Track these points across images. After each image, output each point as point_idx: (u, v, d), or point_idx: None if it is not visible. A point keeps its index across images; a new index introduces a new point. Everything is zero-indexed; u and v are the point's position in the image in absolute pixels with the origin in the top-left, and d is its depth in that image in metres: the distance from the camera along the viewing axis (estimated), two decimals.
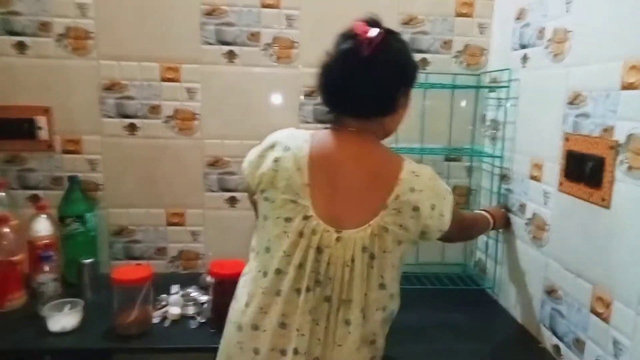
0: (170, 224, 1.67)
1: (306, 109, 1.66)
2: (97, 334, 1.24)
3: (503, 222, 1.44)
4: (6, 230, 1.34)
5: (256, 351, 0.91)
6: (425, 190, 0.93)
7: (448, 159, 1.73)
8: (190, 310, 1.36)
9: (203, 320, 1.32)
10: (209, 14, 1.59)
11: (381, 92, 0.93)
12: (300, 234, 0.88)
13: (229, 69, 1.62)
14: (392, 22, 1.63)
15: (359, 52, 0.89)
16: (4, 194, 1.46)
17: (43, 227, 1.43)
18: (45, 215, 1.46)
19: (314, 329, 0.90)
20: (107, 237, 1.66)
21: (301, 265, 0.89)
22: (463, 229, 1.21)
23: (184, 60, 1.60)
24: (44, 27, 1.54)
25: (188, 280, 1.56)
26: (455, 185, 1.75)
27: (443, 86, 1.64)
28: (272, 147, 0.93)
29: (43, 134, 1.56)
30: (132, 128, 1.61)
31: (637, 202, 0.95)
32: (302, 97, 1.65)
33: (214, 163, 1.64)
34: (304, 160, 0.90)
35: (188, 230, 1.68)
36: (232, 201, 1.68)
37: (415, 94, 1.65)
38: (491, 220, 1.36)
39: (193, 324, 1.31)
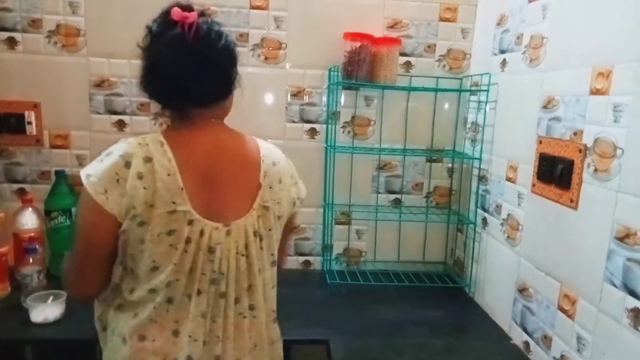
0: None
1: (293, 109, 1.69)
2: (79, 325, 1.26)
3: None
4: None
5: None
6: (282, 161, 0.99)
7: (430, 160, 1.77)
8: None
9: None
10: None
11: (219, 74, 0.89)
12: (188, 240, 0.84)
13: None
14: (378, 26, 1.67)
15: (185, 40, 0.82)
16: None
17: (29, 220, 1.46)
18: (31, 209, 1.48)
19: (212, 327, 0.89)
20: None
21: (191, 270, 0.85)
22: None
23: None
24: (35, 24, 1.56)
25: None
26: (437, 186, 1.79)
27: (425, 89, 1.68)
28: (127, 165, 0.81)
29: (32, 129, 1.59)
30: (120, 124, 1.64)
31: (601, 204, 0.99)
32: (288, 97, 1.68)
33: None
34: (172, 164, 0.83)
35: None
36: None
37: (399, 96, 1.72)
38: None
39: None
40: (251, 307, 0.93)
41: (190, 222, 0.83)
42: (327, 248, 1.76)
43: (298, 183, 1.03)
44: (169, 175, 0.82)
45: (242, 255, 0.89)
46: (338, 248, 1.79)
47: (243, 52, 1.64)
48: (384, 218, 1.72)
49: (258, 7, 1.63)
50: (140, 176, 0.81)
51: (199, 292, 0.87)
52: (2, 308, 1.33)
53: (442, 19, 1.70)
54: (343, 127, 1.72)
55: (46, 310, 1.25)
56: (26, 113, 1.57)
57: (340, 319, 1.39)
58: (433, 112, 1.74)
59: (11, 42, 1.56)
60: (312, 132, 1.71)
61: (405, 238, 1.79)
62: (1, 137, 1.58)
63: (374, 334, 1.33)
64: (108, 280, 0.89)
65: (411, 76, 1.69)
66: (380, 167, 1.76)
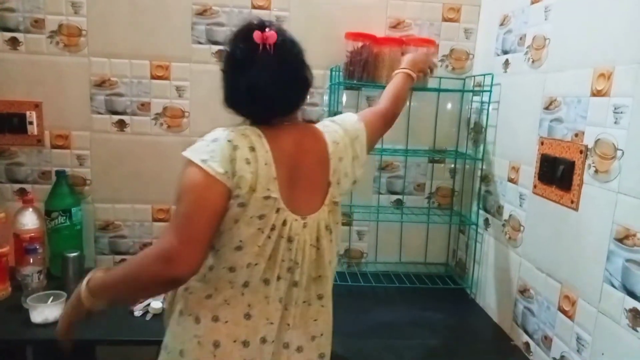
0: (156, 219, 1.69)
1: None
2: (79, 325, 1.26)
3: (423, 66, 1.36)
4: None
5: (216, 344, 0.90)
6: (347, 153, 1.01)
7: (432, 161, 1.76)
8: None
9: None
10: (200, 13, 1.61)
11: (304, 81, 0.95)
12: (273, 227, 0.90)
13: (219, 67, 1.64)
14: (380, 26, 1.67)
15: (269, 57, 0.89)
16: None
17: (29, 220, 1.46)
18: (31, 209, 1.48)
19: (284, 314, 0.94)
20: (93, 232, 1.68)
21: (271, 257, 0.91)
22: (384, 118, 1.20)
23: (174, 59, 1.63)
24: (37, 24, 1.56)
25: None
26: (439, 187, 1.78)
27: (428, 89, 1.66)
28: (235, 148, 0.87)
29: (33, 129, 1.59)
30: (121, 124, 1.64)
31: (601, 205, 0.99)
32: None
33: None
34: (268, 155, 0.89)
35: None
36: None
37: None
38: (411, 75, 1.28)
39: None
40: (320, 297, 0.98)
41: (278, 210, 0.89)
42: None
43: (359, 157, 1.04)
44: (266, 164, 0.88)
45: (314, 246, 0.95)
46: (339, 249, 1.79)
47: None
48: (386, 219, 1.71)
49: (260, 7, 1.63)
50: (248, 162, 0.87)
51: (278, 278, 0.92)
52: (2, 308, 1.33)
53: (445, 19, 1.69)
54: None
55: (46, 311, 1.25)
56: (28, 113, 1.58)
57: (340, 320, 1.38)
58: (435, 113, 1.74)
59: (14, 42, 1.56)
60: None
61: (406, 239, 1.79)
62: (3, 137, 1.58)
63: (375, 335, 1.33)
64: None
65: None
66: (382, 168, 1.75)
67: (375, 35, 1.60)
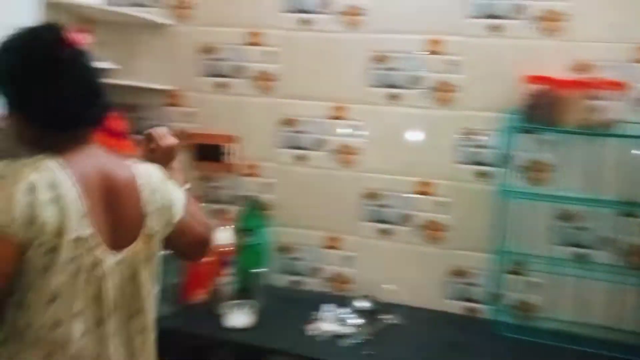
0: (327, 247, 1.80)
1: (463, 150, 1.68)
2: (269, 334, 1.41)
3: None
4: None
5: None
6: (159, 189, 0.97)
7: (622, 214, 1.57)
8: (343, 329, 1.45)
9: (356, 341, 1.40)
10: (377, 60, 1.73)
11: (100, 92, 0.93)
12: (89, 268, 0.83)
13: (391, 109, 1.73)
14: (558, 67, 1.58)
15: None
16: None
17: (225, 236, 1.67)
18: (227, 227, 1.69)
19: (118, 350, 0.90)
20: (274, 252, 1.84)
21: (97, 297, 0.85)
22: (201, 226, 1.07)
23: (351, 101, 1.76)
24: (237, 71, 1.83)
25: (338, 301, 1.66)
26: (632, 243, 1.58)
27: (618, 135, 1.52)
28: (30, 188, 0.75)
29: (229, 158, 1.84)
30: (301, 158, 1.81)
31: None
32: (459, 138, 1.68)
33: (371, 195, 1.76)
34: (75, 188, 0.81)
35: (342, 255, 1.81)
36: (385, 233, 1.76)
37: (584, 141, 1.57)
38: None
39: (344, 343, 1.39)
40: (142, 331, 0.94)
41: (91, 249, 0.83)
42: (495, 297, 1.66)
43: (172, 207, 0.99)
44: (74, 199, 0.80)
45: (132, 279, 0.92)
46: (507, 298, 1.68)
47: (415, 94, 1.70)
48: (566, 273, 1.57)
49: (434, 52, 1.68)
50: (50, 202, 0.77)
51: (108, 316, 0.88)
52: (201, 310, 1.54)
53: (636, 60, 1.55)
54: (519, 171, 1.65)
55: (239, 316, 1.42)
56: (225, 145, 1.83)
57: None
58: (625, 161, 1.57)
59: (219, 86, 1.86)
60: (482, 175, 1.67)
61: (589, 298, 1.61)
62: (208, 164, 1.85)
63: None
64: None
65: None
66: (562, 218, 1.63)
67: (556, 77, 1.54)
